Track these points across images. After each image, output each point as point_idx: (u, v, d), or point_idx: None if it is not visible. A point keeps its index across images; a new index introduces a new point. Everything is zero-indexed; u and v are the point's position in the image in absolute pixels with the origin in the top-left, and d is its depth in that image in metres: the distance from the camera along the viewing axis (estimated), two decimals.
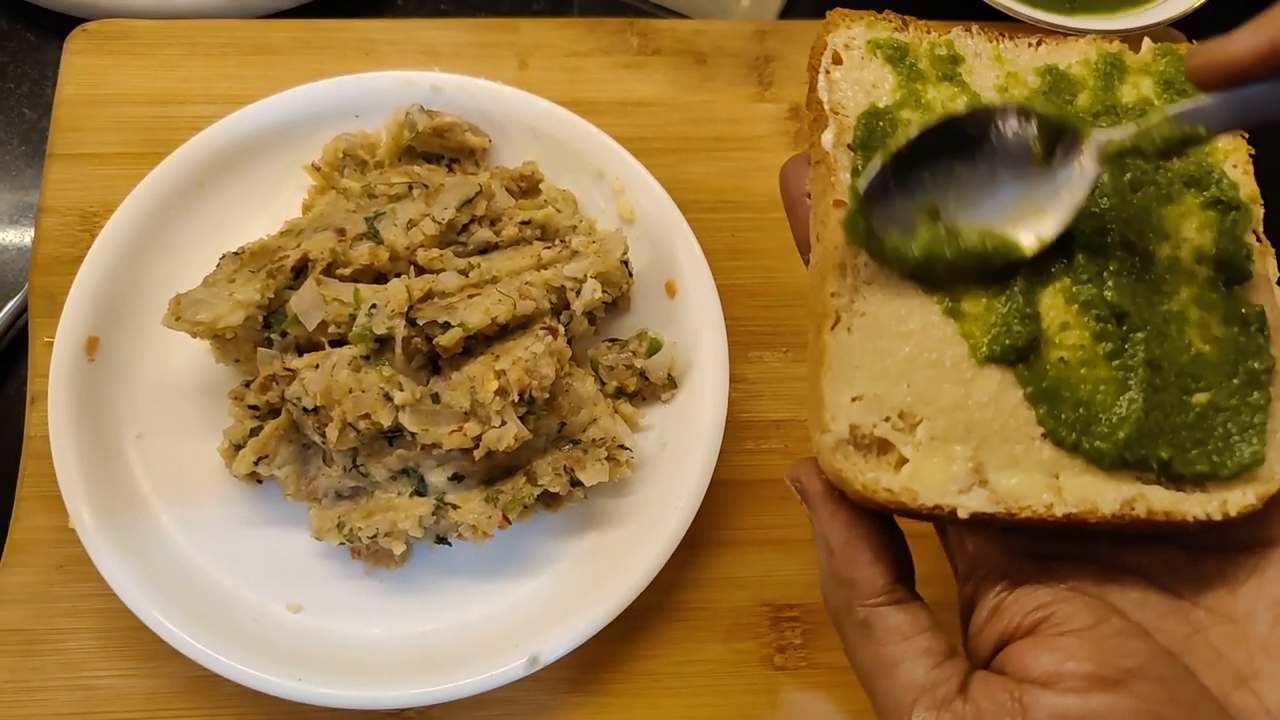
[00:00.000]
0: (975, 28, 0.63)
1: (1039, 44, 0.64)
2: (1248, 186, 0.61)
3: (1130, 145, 0.53)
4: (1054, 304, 0.56)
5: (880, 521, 0.56)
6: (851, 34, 0.62)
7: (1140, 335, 0.55)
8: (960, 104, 0.61)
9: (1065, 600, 0.52)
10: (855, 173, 0.58)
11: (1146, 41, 0.65)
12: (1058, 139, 0.55)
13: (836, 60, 0.61)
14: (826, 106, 0.60)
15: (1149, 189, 0.60)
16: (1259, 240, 0.60)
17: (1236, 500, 0.54)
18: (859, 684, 0.82)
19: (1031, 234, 0.55)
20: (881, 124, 0.60)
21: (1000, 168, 0.56)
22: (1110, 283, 0.56)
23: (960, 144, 0.56)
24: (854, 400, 0.54)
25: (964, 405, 0.55)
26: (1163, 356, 0.55)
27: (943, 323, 0.56)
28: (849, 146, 0.59)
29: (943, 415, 0.54)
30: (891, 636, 0.53)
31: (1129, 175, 0.60)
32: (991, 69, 0.63)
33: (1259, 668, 0.51)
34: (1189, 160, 0.61)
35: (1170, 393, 0.55)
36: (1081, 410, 0.54)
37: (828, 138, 0.59)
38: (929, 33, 0.63)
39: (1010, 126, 0.55)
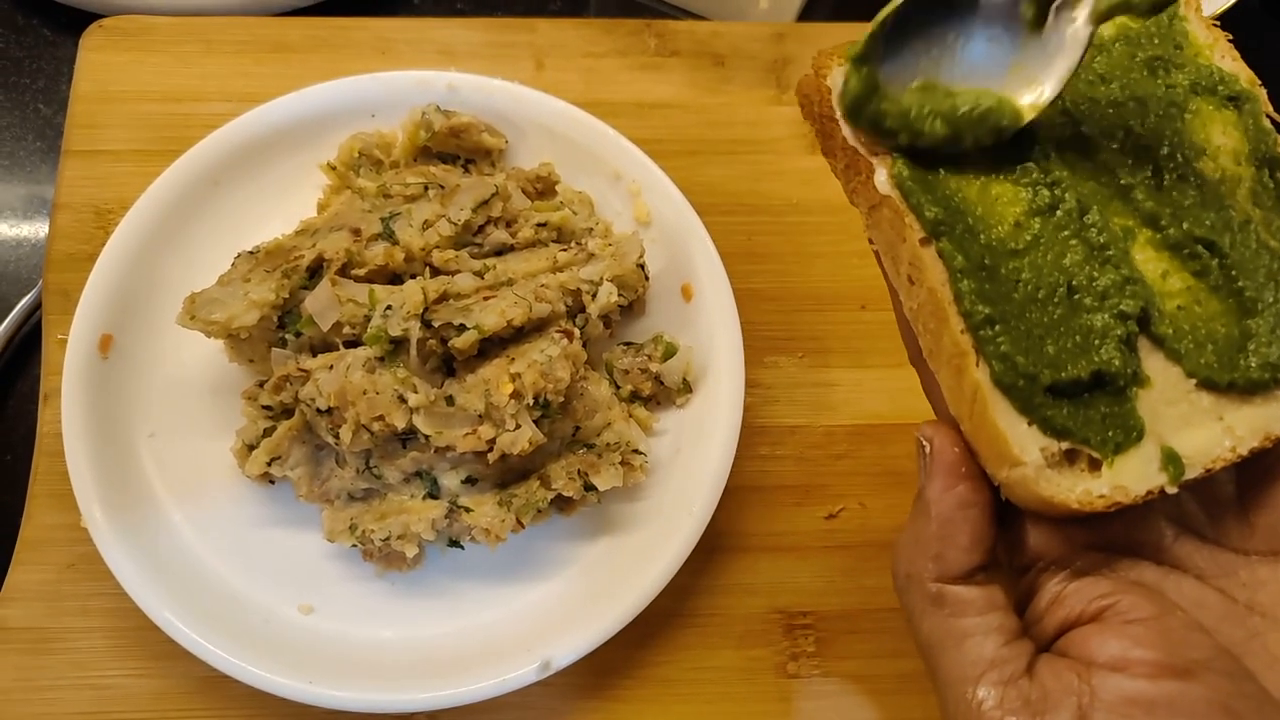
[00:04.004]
0: None
1: None
2: (1243, 72, 0.63)
3: (1119, 1, 0.53)
4: (1146, 257, 0.57)
5: (987, 512, 0.56)
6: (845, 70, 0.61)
7: (1231, 257, 0.56)
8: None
9: (1129, 591, 0.52)
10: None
11: None
12: (1049, 2, 0.55)
13: None
14: (864, 151, 0.58)
15: (1170, 109, 0.61)
16: (1273, 121, 0.62)
17: None
18: (872, 692, 0.84)
19: (1028, 98, 0.56)
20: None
21: (992, 35, 0.56)
22: (1185, 217, 0.57)
23: (950, 10, 0.56)
24: (1030, 425, 0.53)
25: None
26: (1255, 269, 0.56)
27: None
28: (899, 185, 0.57)
29: None
30: (965, 610, 0.53)
31: (1145, 97, 0.61)
32: None
33: None
34: (1184, 69, 0.62)
35: (1278, 300, 0.56)
36: (1215, 348, 0.55)
37: (882, 180, 0.57)
38: None
39: None
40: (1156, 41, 0.63)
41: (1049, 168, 0.58)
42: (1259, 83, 0.63)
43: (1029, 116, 0.56)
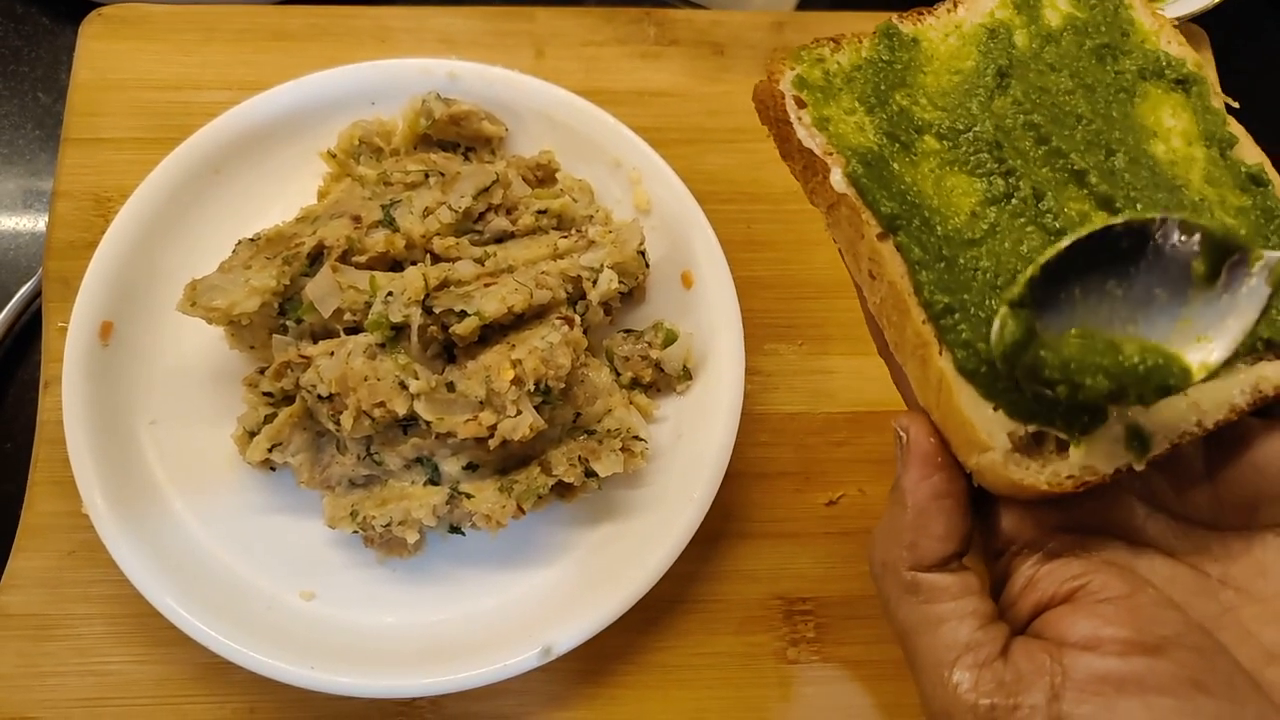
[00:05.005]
0: (894, 17, 0.63)
1: (955, 7, 0.64)
2: (1190, 55, 0.64)
3: None
4: None
5: (961, 502, 0.56)
6: (798, 73, 0.61)
7: None
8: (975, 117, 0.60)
9: (1100, 570, 0.53)
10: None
11: None
12: (1224, 257, 0.50)
13: (800, 104, 0.60)
14: (819, 152, 0.59)
15: (1119, 94, 0.61)
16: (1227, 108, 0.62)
17: None
18: (871, 678, 0.84)
19: (1197, 356, 0.51)
20: (878, 148, 0.59)
21: (1158, 286, 0.51)
22: (1138, 199, 0.57)
23: (1114, 258, 0.51)
24: (995, 410, 0.53)
25: None
26: None
27: None
28: (854, 183, 0.58)
29: None
30: (940, 596, 0.54)
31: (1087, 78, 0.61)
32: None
33: None
34: (1132, 55, 0.63)
35: None
36: None
37: (838, 179, 0.58)
38: (860, 41, 0.63)
39: (1171, 241, 0.51)
40: (1104, 29, 0.63)
41: (1003, 156, 0.58)
42: (1204, 65, 0.63)
43: (1198, 378, 0.50)
